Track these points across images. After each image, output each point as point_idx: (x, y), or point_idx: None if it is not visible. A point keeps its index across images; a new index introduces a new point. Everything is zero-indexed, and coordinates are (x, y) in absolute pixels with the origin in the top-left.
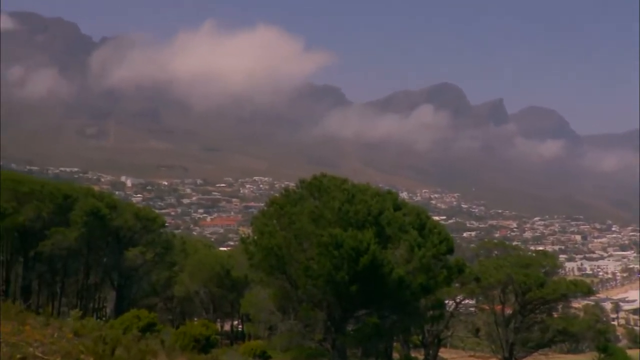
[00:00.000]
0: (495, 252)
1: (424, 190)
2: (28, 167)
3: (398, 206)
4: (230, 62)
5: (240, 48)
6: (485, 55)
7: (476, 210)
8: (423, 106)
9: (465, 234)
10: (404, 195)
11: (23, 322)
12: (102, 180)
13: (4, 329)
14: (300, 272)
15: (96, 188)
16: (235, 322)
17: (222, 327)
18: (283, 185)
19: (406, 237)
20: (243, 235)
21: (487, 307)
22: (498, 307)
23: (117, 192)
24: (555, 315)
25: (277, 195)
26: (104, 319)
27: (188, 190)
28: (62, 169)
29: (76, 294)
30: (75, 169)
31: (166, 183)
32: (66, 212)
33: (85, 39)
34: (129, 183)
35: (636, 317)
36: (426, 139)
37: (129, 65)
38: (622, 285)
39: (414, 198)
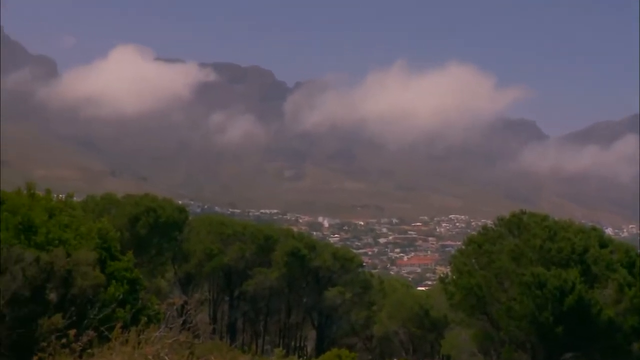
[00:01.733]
0: None
1: (630, 226)
2: (230, 210)
3: (604, 243)
4: (422, 100)
5: (431, 86)
6: None
7: None
8: (626, 136)
9: None
10: (608, 231)
11: None
12: (300, 221)
13: None
14: (501, 313)
15: (295, 229)
16: None
17: None
18: (480, 223)
19: (614, 276)
20: (441, 275)
21: None
22: None
23: (314, 233)
24: None
25: (474, 233)
26: (305, 357)
27: (384, 230)
28: (262, 211)
29: (278, 333)
30: (275, 211)
31: (362, 223)
32: (267, 252)
33: (280, 85)
34: (326, 223)
35: None
36: (630, 171)
37: (322, 108)
38: None
39: (620, 234)
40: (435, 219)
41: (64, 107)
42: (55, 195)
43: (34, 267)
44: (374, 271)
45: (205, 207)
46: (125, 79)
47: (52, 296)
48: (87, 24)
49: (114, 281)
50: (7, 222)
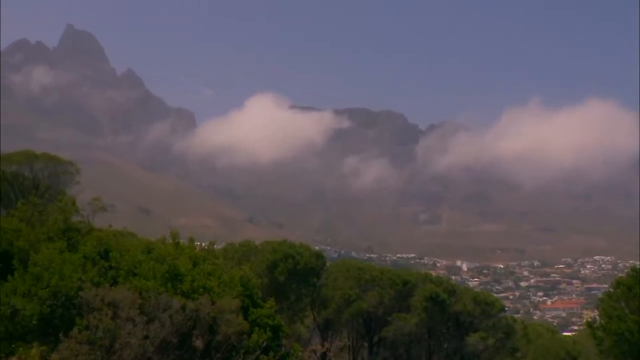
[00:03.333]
0: None
1: None
2: (367, 255)
3: None
4: (558, 138)
5: (569, 123)
6: None
7: None
8: None
9: None
10: None
11: None
12: (438, 265)
13: None
14: None
15: (432, 273)
16: None
17: None
18: (627, 264)
19: None
20: (589, 319)
21: None
22: None
23: (453, 277)
24: None
25: (622, 275)
26: None
27: (525, 273)
28: (399, 255)
29: None
30: (412, 255)
31: (502, 266)
32: (406, 297)
33: (413, 128)
34: (464, 267)
35: None
36: None
37: (455, 150)
38: None
39: None
40: (578, 260)
41: (201, 157)
42: (197, 243)
43: (181, 315)
44: (516, 316)
45: (342, 252)
46: (261, 128)
47: (198, 343)
48: (224, 76)
49: (257, 328)
50: (154, 270)
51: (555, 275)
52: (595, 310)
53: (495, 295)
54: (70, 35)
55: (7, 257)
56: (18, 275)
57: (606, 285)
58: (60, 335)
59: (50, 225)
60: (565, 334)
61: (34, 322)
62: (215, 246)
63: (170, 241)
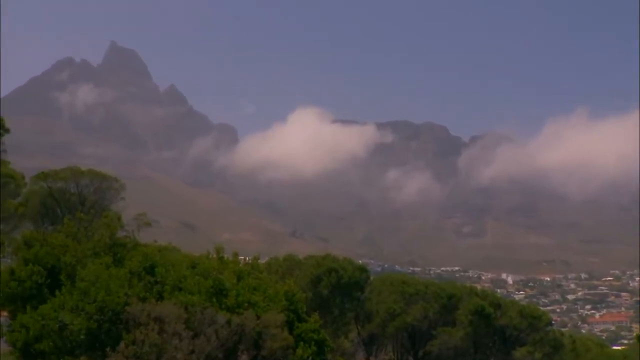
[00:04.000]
0: None
1: None
2: (411, 269)
3: None
4: (605, 148)
5: (614, 133)
6: None
7: None
8: None
9: None
10: None
11: None
12: (483, 278)
13: None
14: None
15: (477, 286)
16: None
17: None
18: None
19: None
20: (639, 333)
21: None
22: None
23: (498, 290)
24: None
25: None
26: None
27: (572, 286)
28: (443, 268)
29: None
30: (456, 268)
31: (548, 279)
32: (451, 311)
33: (455, 140)
34: (509, 280)
35: None
36: None
37: (499, 161)
38: None
39: None
40: (627, 273)
41: (244, 172)
42: (241, 258)
43: (226, 329)
44: (564, 330)
45: (386, 266)
46: (303, 142)
47: (244, 357)
48: (266, 91)
49: (302, 343)
50: (199, 285)
51: (603, 287)
52: None
53: (541, 308)
54: (114, 53)
55: (55, 272)
56: (66, 290)
57: None
58: (107, 349)
59: (96, 241)
60: (614, 348)
61: (82, 337)
62: (259, 261)
63: (215, 256)
